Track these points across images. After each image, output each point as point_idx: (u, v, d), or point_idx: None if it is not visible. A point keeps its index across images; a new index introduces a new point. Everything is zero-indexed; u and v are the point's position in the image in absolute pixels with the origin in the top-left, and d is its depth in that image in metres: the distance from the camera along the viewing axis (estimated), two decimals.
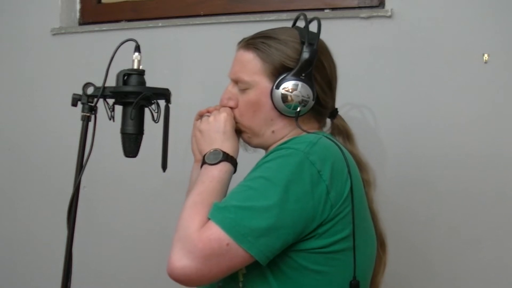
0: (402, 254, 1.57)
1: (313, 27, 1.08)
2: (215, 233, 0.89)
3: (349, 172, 0.97)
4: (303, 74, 1.03)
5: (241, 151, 1.18)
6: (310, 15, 1.12)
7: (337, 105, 1.18)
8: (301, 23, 1.11)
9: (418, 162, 1.60)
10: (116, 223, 1.96)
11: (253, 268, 0.94)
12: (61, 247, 1.09)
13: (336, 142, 1.03)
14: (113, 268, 1.97)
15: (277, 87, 1.04)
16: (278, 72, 1.05)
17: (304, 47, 1.03)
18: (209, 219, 0.92)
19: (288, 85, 1.03)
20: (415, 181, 1.60)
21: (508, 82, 1.52)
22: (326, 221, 0.95)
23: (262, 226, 0.90)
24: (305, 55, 1.03)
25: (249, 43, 1.09)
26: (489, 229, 1.55)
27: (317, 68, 1.06)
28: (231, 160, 1.05)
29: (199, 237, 0.89)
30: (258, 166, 1.00)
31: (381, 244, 1.15)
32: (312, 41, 1.04)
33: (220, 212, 0.92)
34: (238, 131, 1.13)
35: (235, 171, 1.07)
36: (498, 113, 1.53)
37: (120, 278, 1.96)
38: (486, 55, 1.52)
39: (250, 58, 1.08)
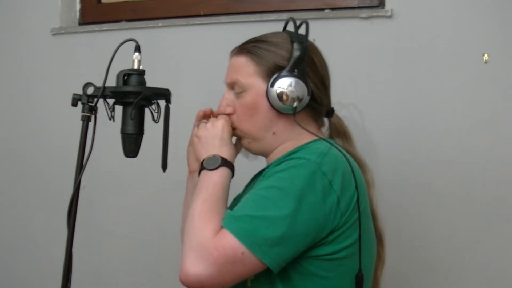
0: (402, 255, 1.57)
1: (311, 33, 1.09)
2: (230, 242, 0.90)
3: (356, 181, 0.99)
4: (296, 71, 1.04)
5: (242, 158, 1.18)
6: (310, 15, 1.12)
7: (336, 105, 1.18)
8: (290, 28, 1.13)
9: (418, 162, 1.60)
10: (116, 223, 1.96)
11: (262, 273, 0.95)
12: (61, 247, 1.10)
13: (341, 150, 1.04)
14: (113, 268, 1.97)
15: (272, 85, 1.05)
16: (272, 73, 1.06)
17: (295, 44, 1.05)
18: (222, 227, 0.93)
19: (283, 83, 1.04)
20: (415, 182, 1.61)
21: (508, 83, 1.52)
22: (335, 229, 0.96)
23: (276, 235, 0.91)
24: (296, 52, 1.05)
25: (241, 49, 1.11)
26: (488, 230, 1.55)
27: (309, 65, 1.07)
28: (229, 165, 1.06)
29: (214, 245, 0.90)
30: (269, 175, 1.00)
31: (380, 241, 1.16)
32: (302, 40, 1.06)
33: (234, 221, 0.93)
34: (238, 138, 1.14)
35: (233, 175, 1.07)
36: (498, 113, 1.53)
37: (120, 278, 1.96)
38: (486, 55, 1.52)
39: (243, 62, 1.09)
